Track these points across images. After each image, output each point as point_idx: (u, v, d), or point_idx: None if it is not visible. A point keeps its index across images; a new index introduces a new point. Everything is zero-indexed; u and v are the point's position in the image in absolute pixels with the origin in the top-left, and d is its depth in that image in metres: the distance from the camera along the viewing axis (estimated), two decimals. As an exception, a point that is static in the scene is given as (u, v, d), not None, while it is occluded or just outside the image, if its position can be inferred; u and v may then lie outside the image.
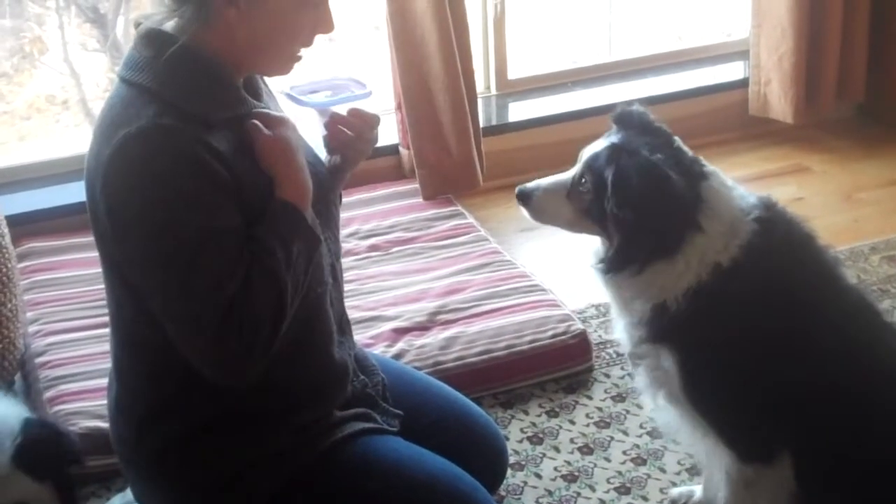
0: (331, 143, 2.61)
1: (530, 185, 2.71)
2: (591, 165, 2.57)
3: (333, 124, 2.58)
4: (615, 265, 2.54)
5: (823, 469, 2.55)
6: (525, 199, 2.71)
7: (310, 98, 2.52)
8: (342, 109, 2.60)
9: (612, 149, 2.54)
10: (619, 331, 2.71)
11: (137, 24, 2.36)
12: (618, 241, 2.52)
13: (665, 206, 2.45)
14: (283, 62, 2.41)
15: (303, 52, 2.41)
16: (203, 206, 2.23)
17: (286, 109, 2.61)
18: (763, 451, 2.57)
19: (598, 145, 2.60)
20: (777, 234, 2.52)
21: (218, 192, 2.24)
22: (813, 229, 2.60)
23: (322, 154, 2.62)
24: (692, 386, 2.54)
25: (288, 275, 2.28)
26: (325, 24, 2.39)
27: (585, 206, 2.60)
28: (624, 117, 2.66)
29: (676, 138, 2.63)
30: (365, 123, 2.61)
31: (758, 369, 2.48)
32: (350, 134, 2.59)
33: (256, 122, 2.35)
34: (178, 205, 2.22)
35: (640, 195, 2.44)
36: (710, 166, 2.59)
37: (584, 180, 2.59)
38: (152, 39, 2.31)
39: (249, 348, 2.25)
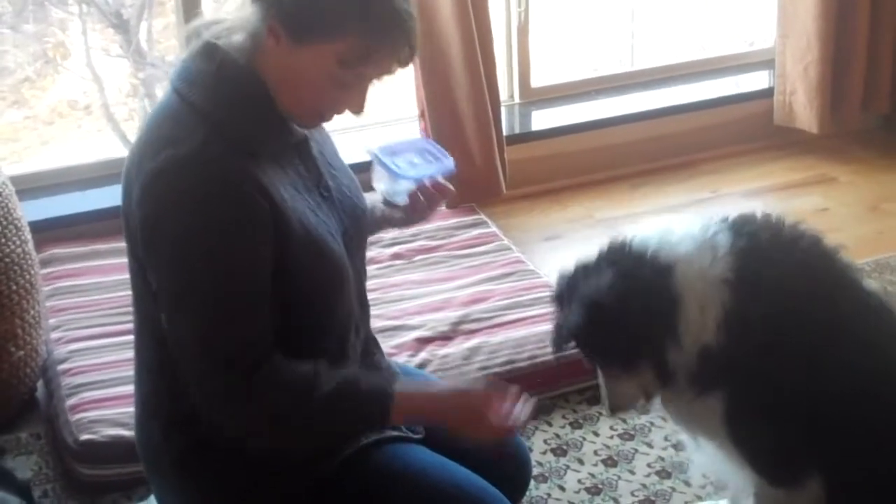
0: (409, 206, 2.64)
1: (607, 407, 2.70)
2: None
3: (416, 192, 2.61)
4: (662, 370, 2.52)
5: (854, 491, 2.51)
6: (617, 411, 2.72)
7: (393, 161, 2.55)
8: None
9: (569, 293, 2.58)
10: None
11: (197, 34, 2.33)
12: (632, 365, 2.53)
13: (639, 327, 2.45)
14: (308, 116, 2.37)
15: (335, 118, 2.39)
16: (237, 243, 2.22)
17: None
18: (793, 475, 2.53)
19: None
20: (763, 236, 2.49)
21: (255, 231, 2.23)
22: (801, 229, 2.55)
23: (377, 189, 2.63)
24: (735, 420, 2.50)
25: (332, 427, 2.36)
26: (353, 105, 2.35)
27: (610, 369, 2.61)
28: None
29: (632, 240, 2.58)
30: (443, 197, 2.65)
31: (793, 388, 2.44)
32: (423, 202, 2.62)
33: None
34: (213, 237, 2.21)
35: (605, 337, 2.49)
36: (663, 240, 2.52)
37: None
38: (210, 55, 2.28)
39: (232, 404, 2.28)
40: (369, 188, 2.65)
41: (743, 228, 2.51)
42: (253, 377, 2.25)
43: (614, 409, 2.68)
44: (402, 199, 2.62)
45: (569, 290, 2.57)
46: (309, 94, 2.31)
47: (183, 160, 2.21)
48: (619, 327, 2.45)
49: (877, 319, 2.52)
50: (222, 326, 2.24)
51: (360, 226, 2.55)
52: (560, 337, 2.62)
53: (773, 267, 2.45)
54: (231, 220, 2.22)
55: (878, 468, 2.47)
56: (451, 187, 2.67)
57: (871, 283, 3.87)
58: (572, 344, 2.60)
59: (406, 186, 2.59)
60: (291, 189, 2.33)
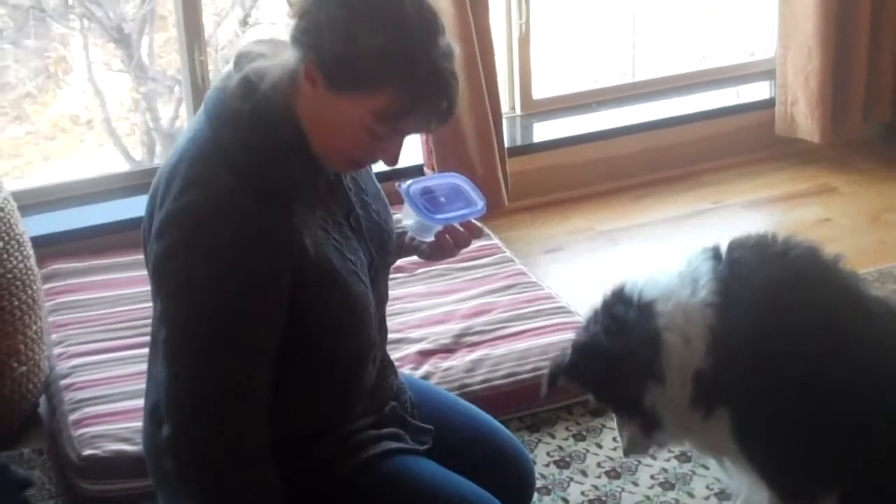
0: (435, 245, 2.62)
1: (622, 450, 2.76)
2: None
3: (444, 232, 2.58)
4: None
5: None
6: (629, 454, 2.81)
7: (424, 201, 2.54)
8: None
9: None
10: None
11: (237, 62, 2.29)
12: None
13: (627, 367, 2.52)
14: (340, 162, 2.35)
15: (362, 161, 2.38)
16: (249, 294, 2.21)
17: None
18: (806, 492, 2.52)
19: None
20: (747, 256, 2.51)
21: (270, 285, 2.23)
22: (794, 241, 2.57)
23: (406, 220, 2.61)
24: (744, 435, 2.51)
25: None
26: (386, 156, 2.33)
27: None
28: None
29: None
30: (471, 237, 2.63)
31: (790, 404, 2.45)
32: (450, 242, 2.60)
33: None
34: (224, 288, 2.20)
35: (600, 378, 2.59)
36: (651, 286, 2.56)
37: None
38: (249, 94, 2.23)
39: (178, 451, 2.28)
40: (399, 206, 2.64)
41: (732, 253, 2.54)
42: (229, 449, 2.27)
43: (627, 452, 2.75)
44: (430, 238, 2.60)
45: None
46: (341, 142, 2.28)
47: (205, 207, 2.20)
48: (605, 370, 2.54)
49: (882, 325, 2.51)
50: (214, 377, 2.23)
51: (386, 252, 2.54)
52: (549, 375, 2.72)
53: (759, 282, 2.48)
54: (247, 275, 2.21)
55: (892, 481, 2.46)
56: (481, 227, 2.67)
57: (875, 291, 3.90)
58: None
59: (435, 227, 2.58)
60: (319, 231, 2.31)
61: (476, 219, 2.61)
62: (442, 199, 2.56)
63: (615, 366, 2.52)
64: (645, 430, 2.61)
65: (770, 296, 2.45)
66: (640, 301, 2.53)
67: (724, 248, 2.56)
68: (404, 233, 2.66)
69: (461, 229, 2.59)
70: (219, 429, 2.26)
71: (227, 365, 2.23)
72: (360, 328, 2.42)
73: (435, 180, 2.64)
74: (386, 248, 2.55)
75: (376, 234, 2.51)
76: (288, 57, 2.22)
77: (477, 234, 2.66)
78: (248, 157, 2.23)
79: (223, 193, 2.20)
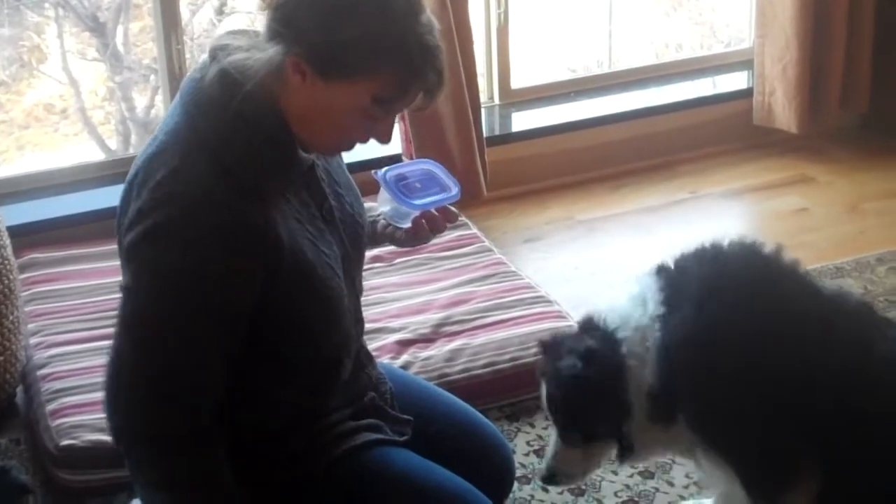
0: (411, 231, 2.62)
1: (542, 466, 2.78)
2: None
3: (419, 217, 2.58)
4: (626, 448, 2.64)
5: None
6: (552, 481, 2.79)
7: (399, 187, 2.54)
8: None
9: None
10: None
11: (213, 53, 2.28)
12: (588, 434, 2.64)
13: (592, 400, 2.56)
14: (331, 148, 2.37)
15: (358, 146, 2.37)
16: (219, 287, 2.20)
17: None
18: (776, 491, 2.53)
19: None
20: (681, 283, 2.53)
21: (242, 279, 2.22)
22: (735, 243, 2.60)
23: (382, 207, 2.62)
24: (707, 434, 2.53)
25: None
26: (381, 136, 2.33)
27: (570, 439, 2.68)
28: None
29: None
30: (447, 222, 2.64)
31: (738, 402, 2.47)
32: (426, 228, 2.60)
33: None
34: (190, 280, 2.18)
35: (569, 407, 2.60)
36: (613, 314, 2.60)
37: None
38: (228, 87, 2.22)
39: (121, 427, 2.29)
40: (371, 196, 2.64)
41: (677, 264, 2.59)
42: (182, 438, 2.25)
43: (558, 477, 2.75)
44: (406, 224, 2.60)
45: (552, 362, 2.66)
46: (336, 128, 2.28)
47: (182, 197, 2.18)
48: (582, 403, 2.56)
49: (822, 307, 2.55)
50: (175, 370, 2.22)
51: (360, 245, 2.54)
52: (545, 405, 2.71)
53: (693, 283, 2.51)
54: (220, 268, 2.19)
55: (865, 481, 2.47)
56: (457, 212, 2.67)
57: (851, 284, 3.92)
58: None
59: (411, 213, 2.57)
60: (294, 223, 2.30)
61: (451, 204, 2.62)
62: (417, 184, 2.56)
63: (590, 399, 2.55)
64: (619, 456, 2.67)
65: (702, 293, 2.48)
66: (605, 330, 2.58)
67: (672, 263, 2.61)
68: (378, 221, 2.67)
69: (437, 215, 2.60)
70: (155, 416, 2.24)
71: (178, 354, 2.21)
72: (336, 321, 2.41)
73: (409, 167, 2.64)
74: (359, 239, 2.54)
75: (350, 225, 2.50)
76: (269, 51, 2.20)
77: (452, 219, 2.66)
78: (228, 149, 2.22)
79: (202, 184, 2.18)
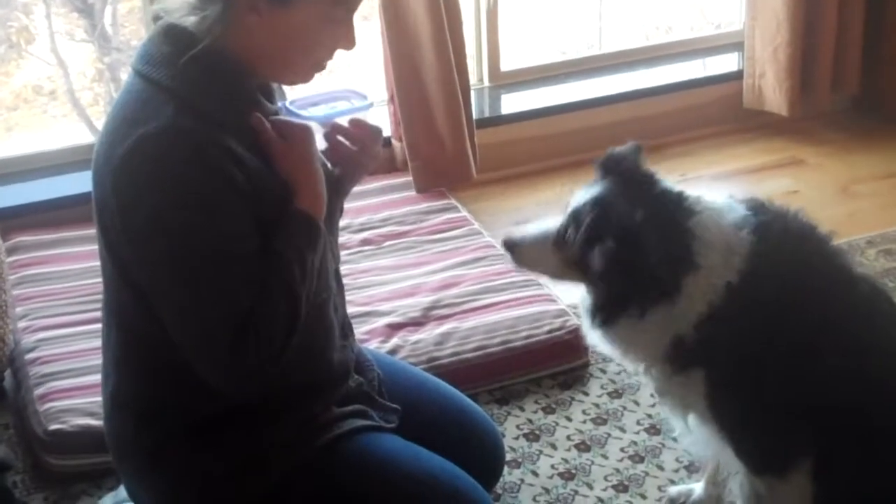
0: (332, 155, 2.55)
1: (517, 236, 2.63)
2: (577, 218, 2.52)
3: (333, 135, 2.53)
4: (610, 315, 2.48)
5: (844, 483, 2.52)
6: (511, 249, 2.62)
7: (310, 112, 2.47)
8: (343, 122, 2.54)
9: (593, 205, 2.49)
10: (642, 371, 2.66)
11: (156, 18, 2.32)
12: (604, 295, 2.48)
13: (648, 266, 2.40)
14: (301, 73, 2.38)
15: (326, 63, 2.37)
16: (219, 211, 2.20)
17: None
18: (775, 465, 2.54)
19: (583, 196, 2.55)
20: (776, 237, 2.48)
21: (234, 198, 2.22)
22: (810, 219, 2.56)
23: None
24: (720, 403, 2.51)
25: (303, 287, 2.27)
26: (347, 42, 2.35)
27: (572, 259, 2.54)
28: (608, 164, 2.61)
29: (661, 180, 2.57)
30: (367, 135, 2.55)
31: (783, 375, 2.44)
32: (351, 147, 2.54)
33: (266, 124, 2.31)
34: (195, 209, 2.19)
35: (619, 259, 2.40)
36: (695, 195, 2.53)
37: (568, 232, 2.53)
38: (172, 36, 2.26)
39: (262, 359, 2.24)
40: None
41: (759, 205, 2.54)
42: (250, 329, 2.23)
43: (515, 254, 2.61)
44: (322, 145, 2.52)
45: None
46: (305, 49, 2.31)
47: (155, 135, 2.19)
48: (647, 256, 2.40)
49: (869, 304, 2.53)
50: (219, 299, 2.22)
51: (331, 206, 2.49)
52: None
53: (780, 260, 2.47)
54: (209, 187, 2.19)
55: (867, 462, 2.48)
56: (375, 125, 2.59)
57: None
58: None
59: (318, 130, 2.48)
60: (264, 162, 2.30)
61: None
62: (330, 107, 2.52)
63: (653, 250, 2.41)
64: (591, 312, 2.53)
65: (784, 281, 2.45)
66: (677, 195, 2.50)
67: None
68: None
69: (349, 127, 2.54)
70: (243, 341, 2.22)
71: (223, 284, 2.21)
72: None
73: (320, 95, 2.56)
74: (330, 202, 2.47)
75: None
76: (215, 8, 2.23)
77: (373, 132, 2.57)
78: (184, 87, 2.24)
79: (167, 119, 2.20)
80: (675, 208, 2.48)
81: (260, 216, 2.26)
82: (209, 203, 2.19)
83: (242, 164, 2.23)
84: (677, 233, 2.43)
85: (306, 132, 2.38)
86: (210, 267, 2.20)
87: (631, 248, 2.39)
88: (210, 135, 2.20)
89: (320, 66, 2.37)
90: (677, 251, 2.41)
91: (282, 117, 2.40)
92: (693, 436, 2.72)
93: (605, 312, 2.48)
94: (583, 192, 2.57)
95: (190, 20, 2.26)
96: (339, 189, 2.57)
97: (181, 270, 2.21)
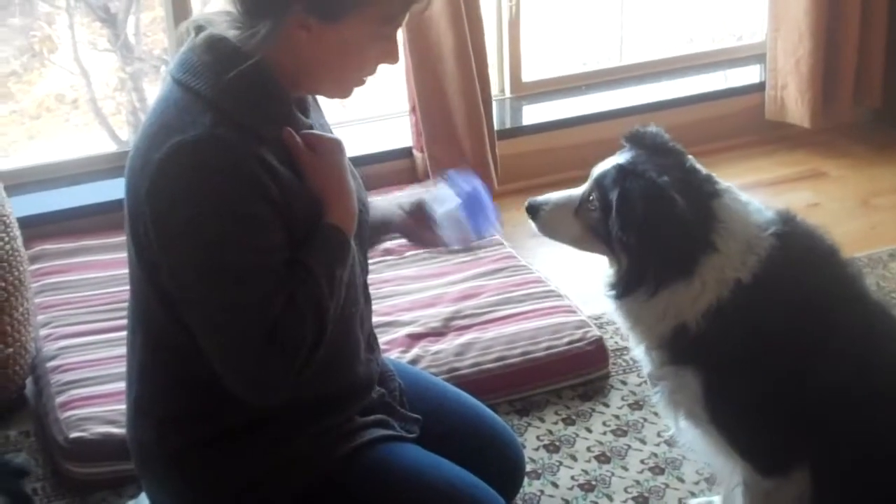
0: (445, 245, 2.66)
1: (540, 198, 2.65)
2: (600, 183, 2.53)
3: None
4: (625, 288, 2.50)
5: (842, 483, 2.52)
6: (534, 212, 2.65)
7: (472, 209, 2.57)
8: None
9: (619, 170, 2.49)
10: (639, 353, 2.66)
11: (198, 27, 2.32)
12: (625, 265, 2.49)
13: (671, 231, 2.40)
14: (345, 87, 2.39)
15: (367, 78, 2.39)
16: (253, 222, 2.21)
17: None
18: (781, 464, 2.54)
19: (608, 163, 2.56)
20: (797, 249, 2.48)
21: (269, 209, 2.22)
22: (835, 242, 2.55)
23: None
24: (715, 403, 2.51)
25: (330, 301, 2.28)
26: (392, 56, 2.37)
27: (593, 225, 2.56)
28: (636, 137, 2.61)
29: (690, 157, 2.57)
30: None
31: (780, 384, 2.45)
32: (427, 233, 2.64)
33: (296, 137, 2.32)
34: (228, 220, 2.19)
35: (643, 220, 2.40)
36: (725, 183, 2.54)
37: (592, 198, 2.54)
38: (216, 48, 2.27)
39: (288, 370, 2.24)
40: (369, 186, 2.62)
41: (788, 216, 2.53)
42: (277, 340, 2.23)
43: (539, 218, 2.64)
44: (458, 245, 2.65)
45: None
46: (352, 65, 2.33)
47: (193, 143, 2.19)
48: (673, 222, 2.40)
49: (875, 321, 2.53)
50: (249, 310, 2.22)
51: (361, 220, 2.50)
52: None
53: (802, 260, 2.47)
54: (244, 198, 2.20)
55: (866, 465, 2.48)
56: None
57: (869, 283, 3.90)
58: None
59: (467, 235, 2.60)
60: (298, 176, 2.31)
61: None
62: (475, 210, 2.58)
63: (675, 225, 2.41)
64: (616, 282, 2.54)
65: (797, 292, 2.45)
66: (705, 176, 2.51)
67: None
68: (391, 216, 2.67)
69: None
70: (271, 351, 2.23)
71: (254, 295, 2.22)
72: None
73: (463, 185, 2.61)
74: (360, 215, 2.49)
75: None
76: (262, 30, 2.23)
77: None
78: (223, 98, 2.24)
79: (205, 127, 2.20)
80: (703, 185, 2.48)
81: (291, 229, 2.27)
82: (243, 214, 2.20)
83: (277, 177, 2.24)
84: (702, 207, 2.43)
85: (336, 145, 2.39)
86: (241, 278, 2.21)
87: (655, 210, 2.39)
88: (247, 146, 2.21)
89: (361, 81, 2.39)
90: (699, 225, 2.42)
91: (314, 130, 2.41)
92: (684, 437, 2.72)
93: (622, 286, 2.49)
94: (607, 161, 2.58)
95: (233, 33, 2.27)
96: (407, 237, 2.73)
97: (212, 280, 2.22)
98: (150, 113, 2.33)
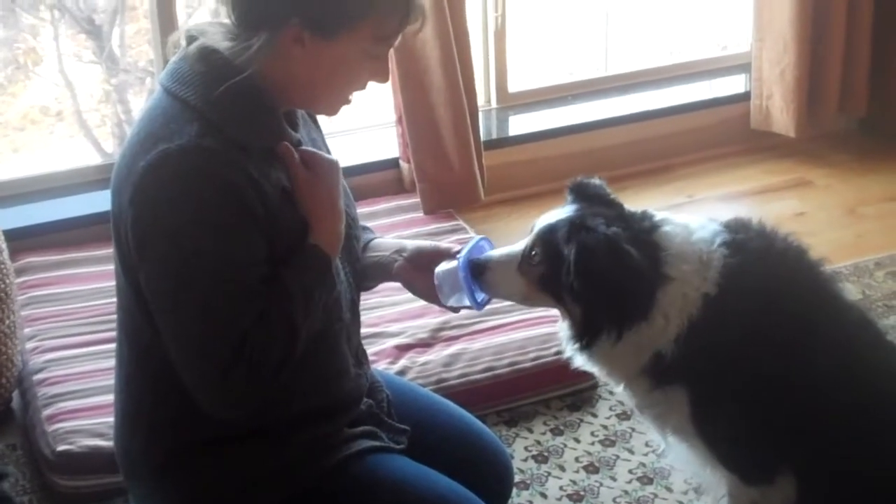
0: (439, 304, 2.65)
1: (482, 257, 2.60)
2: (545, 238, 2.52)
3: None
4: (589, 339, 2.48)
5: (826, 488, 2.52)
6: (479, 273, 2.59)
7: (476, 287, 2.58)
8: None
9: (571, 224, 2.48)
10: (621, 390, 2.65)
11: (190, 37, 2.31)
12: (580, 316, 2.47)
13: (628, 282, 2.40)
14: (334, 104, 2.40)
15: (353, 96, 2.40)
16: (232, 235, 2.21)
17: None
18: (765, 473, 2.54)
19: (553, 217, 2.55)
20: (751, 252, 2.48)
21: (249, 224, 2.22)
22: (795, 239, 2.56)
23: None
24: (702, 415, 2.50)
25: (304, 321, 2.28)
26: (382, 75, 2.37)
27: (537, 279, 2.53)
28: (580, 188, 2.63)
29: (623, 206, 2.59)
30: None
31: (763, 388, 2.45)
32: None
33: (294, 154, 2.33)
34: (208, 231, 2.19)
35: (601, 273, 2.40)
36: (660, 214, 2.54)
37: (534, 252, 2.52)
38: (209, 60, 2.27)
39: (252, 385, 2.25)
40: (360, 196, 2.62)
41: (737, 223, 2.54)
42: (244, 355, 2.23)
43: (486, 274, 2.58)
44: (451, 304, 2.63)
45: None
46: (342, 82, 2.33)
47: (178, 152, 2.19)
48: (630, 271, 2.40)
49: (854, 329, 2.54)
50: (220, 321, 2.22)
51: (349, 234, 2.51)
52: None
53: (756, 282, 2.46)
54: (225, 209, 2.20)
55: (849, 470, 2.48)
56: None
57: (850, 288, 3.92)
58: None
59: (465, 305, 2.60)
60: (281, 192, 2.31)
61: None
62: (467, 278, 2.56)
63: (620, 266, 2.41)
64: (575, 337, 2.52)
65: (765, 293, 2.44)
66: (641, 213, 2.52)
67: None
68: (390, 258, 2.66)
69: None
70: (242, 358, 2.22)
71: (228, 307, 2.21)
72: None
73: (471, 248, 2.61)
74: (349, 230, 2.49)
75: None
76: (258, 42, 2.23)
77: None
78: (211, 108, 2.24)
79: (191, 137, 2.20)
80: (642, 223, 2.49)
81: (274, 244, 2.27)
82: (224, 226, 2.20)
83: (260, 191, 2.23)
84: (647, 245, 2.44)
85: (332, 166, 2.39)
86: (214, 289, 2.20)
87: (612, 263, 2.39)
88: (232, 158, 2.21)
89: (348, 101, 2.40)
90: (650, 268, 2.42)
91: (307, 148, 2.41)
92: (673, 452, 2.71)
93: (584, 338, 2.48)
94: (548, 214, 2.58)
95: (226, 45, 2.27)
96: (407, 286, 2.69)
97: (185, 289, 2.21)
98: (137, 121, 2.33)
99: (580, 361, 2.60)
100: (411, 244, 2.67)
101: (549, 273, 2.49)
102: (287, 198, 2.31)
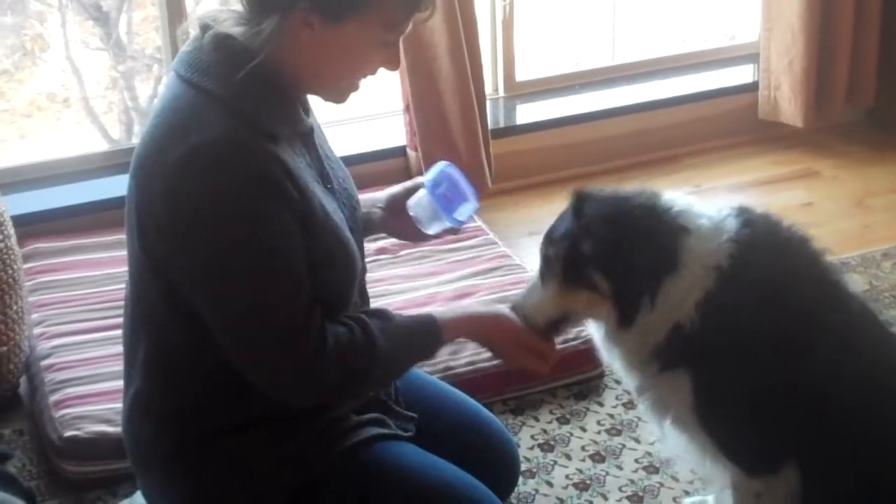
0: (423, 237, 2.71)
1: (511, 304, 2.65)
2: (549, 238, 2.57)
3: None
4: (630, 309, 2.46)
5: (831, 479, 2.52)
6: (518, 310, 2.61)
7: (447, 200, 2.60)
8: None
9: (574, 205, 2.52)
10: (621, 369, 2.64)
11: (204, 25, 2.31)
12: (614, 289, 2.46)
13: (644, 232, 2.41)
14: (342, 90, 2.40)
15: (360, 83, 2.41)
16: (273, 225, 2.22)
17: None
18: (769, 464, 2.53)
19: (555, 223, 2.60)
20: (762, 230, 2.48)
21: (287, 213, 2.24)
22: (796, 226, 2.56)
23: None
24: (705, 404, 2.50)
25: (404, 366, 2.49)
26: (392, 62, 2.37)
27: (561, 277, 2.53)
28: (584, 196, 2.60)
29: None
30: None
31: (770, 376, 2.44)
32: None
33: None
34: (249, 222, 2.20)
35: (615, 223, 2.42)
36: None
37: (547, 258, 2.56)
38: (224, 47, 2.27)
39: (341, 381, 2.36)
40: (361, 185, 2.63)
41: (742, 207, 2.54)
42: (319, 346, 2.28)
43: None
44: (433, 231, 2.65)
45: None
46: (351, 67, 2.34)
47: (213, 145, 2.20)
48: (643, 220, 2.43)
49: (858, 319, 2.54)
50: (273, 307, 2.25)
51: (356, 217, 2.54)
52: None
53: (766, 261, 2.46)
54: (267, 199, 2.21)
55: (853, 461, 2.48)
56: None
57: (856, 279, 3.91)
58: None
59: (443, 222, 2.61)
60: (307, 176, 2.33)
61: None
62: (448, 194, 2.60)
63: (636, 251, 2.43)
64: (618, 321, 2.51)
65: (776, 282, 2.44)
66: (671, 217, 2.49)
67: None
68: (373, 212, 2.70)
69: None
70: (308, 345, 2.29)
71: (280, 291, 2.25)
72: (354, 276, 2.44)
73: (437, 174, 2.63)
74: (355, 213, 2.54)
75: (347, 199, 2.52)
76: (269, 25, 2.24)
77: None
78: (235, 98, 2.25)
79: (223, 129, 2.21)
80: (653, 201, 2.50)
81: (307, 229, 2.28)
82: (264, 216, 2.21)
83: (292, 176, 2.25)
84: (651, 202, 2.47)
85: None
86: (264, 275, 2.23)
87: (620, 221, 2.43)
88: (263, 147, 2.22)
89: (356, 88, 2.41)
90: (665, 214, 2.44)
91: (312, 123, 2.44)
92: (669, 442, 2.71)
93: (626, 312, 2.46)
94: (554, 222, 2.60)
95: (238, 30, 2.27)
96: (392, 233, 2.81)
97: (237, 278, 2.23)
98: (157, 111, 2.33)
99: (615, 348, 2.57)
100: (383, 193, 2.73)
101: (568, 258, 2.49)
102: (313, 182, 2.34)
